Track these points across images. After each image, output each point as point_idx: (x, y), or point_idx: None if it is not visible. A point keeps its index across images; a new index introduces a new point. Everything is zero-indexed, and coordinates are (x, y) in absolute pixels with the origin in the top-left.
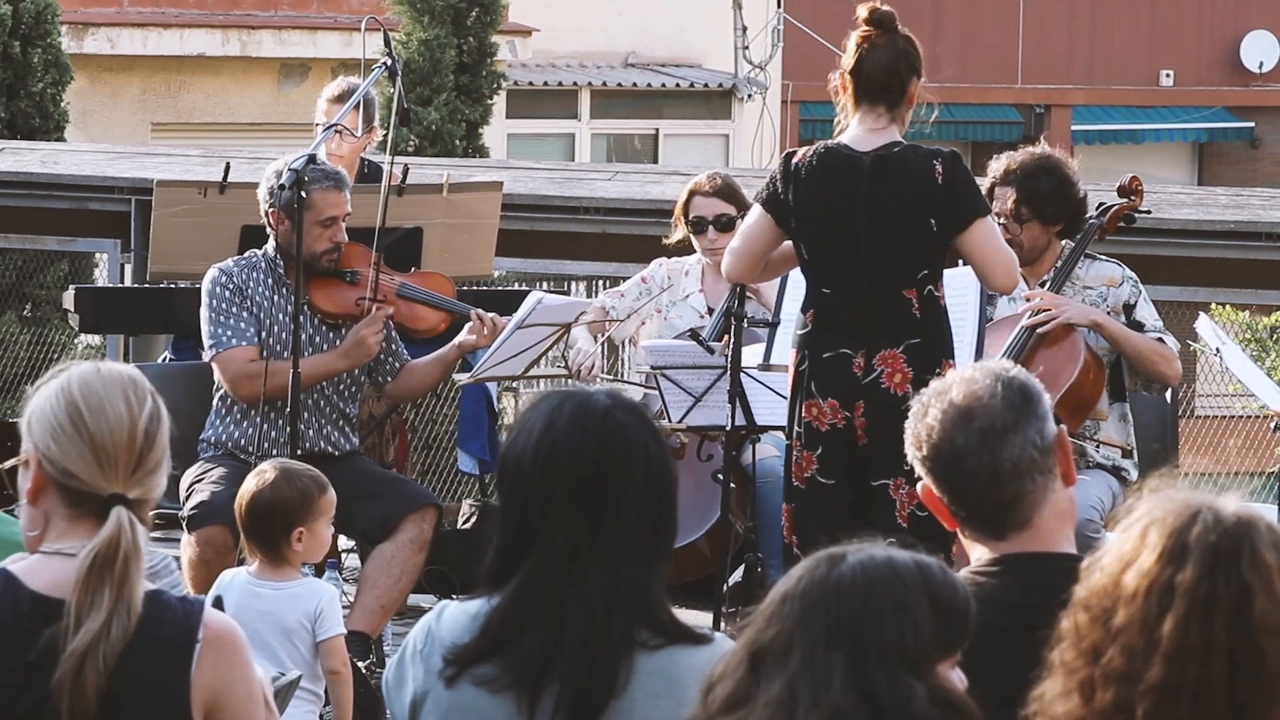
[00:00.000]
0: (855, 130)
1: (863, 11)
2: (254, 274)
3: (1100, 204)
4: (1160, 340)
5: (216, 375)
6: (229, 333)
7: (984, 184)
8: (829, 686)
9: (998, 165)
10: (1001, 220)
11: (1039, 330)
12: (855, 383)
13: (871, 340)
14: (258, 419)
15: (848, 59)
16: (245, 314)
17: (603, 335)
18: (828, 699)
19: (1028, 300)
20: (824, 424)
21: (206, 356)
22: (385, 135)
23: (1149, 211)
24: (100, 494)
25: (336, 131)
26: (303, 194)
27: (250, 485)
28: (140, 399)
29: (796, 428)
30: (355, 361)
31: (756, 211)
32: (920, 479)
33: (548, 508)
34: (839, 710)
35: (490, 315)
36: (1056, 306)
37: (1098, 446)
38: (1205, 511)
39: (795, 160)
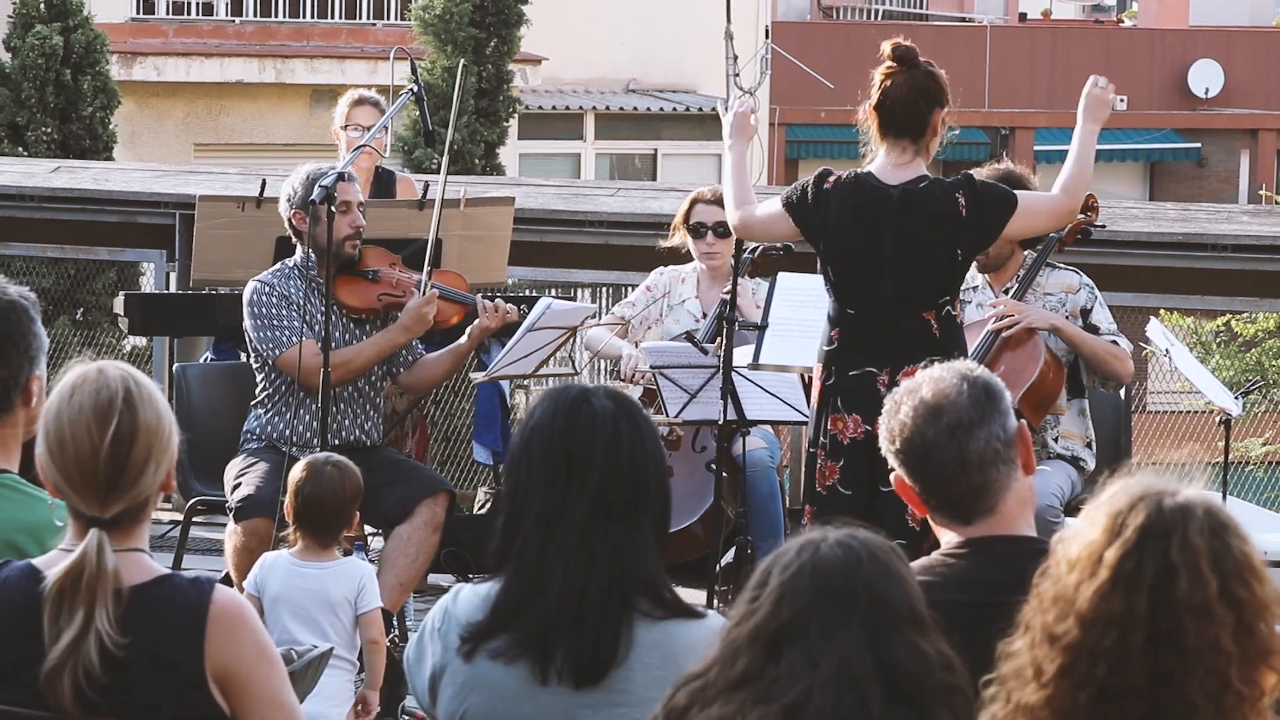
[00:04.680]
0: (882, 162)
1: (886, 48)
2: (289, 281)
3: None
4: (1114, 342)
5: (261, 374)
6: (287, 333)
7: None
8: (845, 653)
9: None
10: None
11: (1003, 334)
12: (880, 398)
13: (895, 359)
14: (300, 411)
15: (873, 93)
16: (292, 312)
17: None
18: (844, 666)
19: (993, 307)
20: (846, 437)
21: (270, 358)
22: (386, 145)
23: (1104, 226)
24: (83, 513)
25: (359, 147)
26: (333, 209)
27: (308, 480)
28: (103, 423)
29: (822, 438)
30: (415, 334)
31: (779, 207)
32: (894, 470)
33: (528, 482)
34: (852, 674)
35: (497, 300)
36: (1019, 312)
37: (1056, 439)
38: (1151, 496)
39: (827, 185)
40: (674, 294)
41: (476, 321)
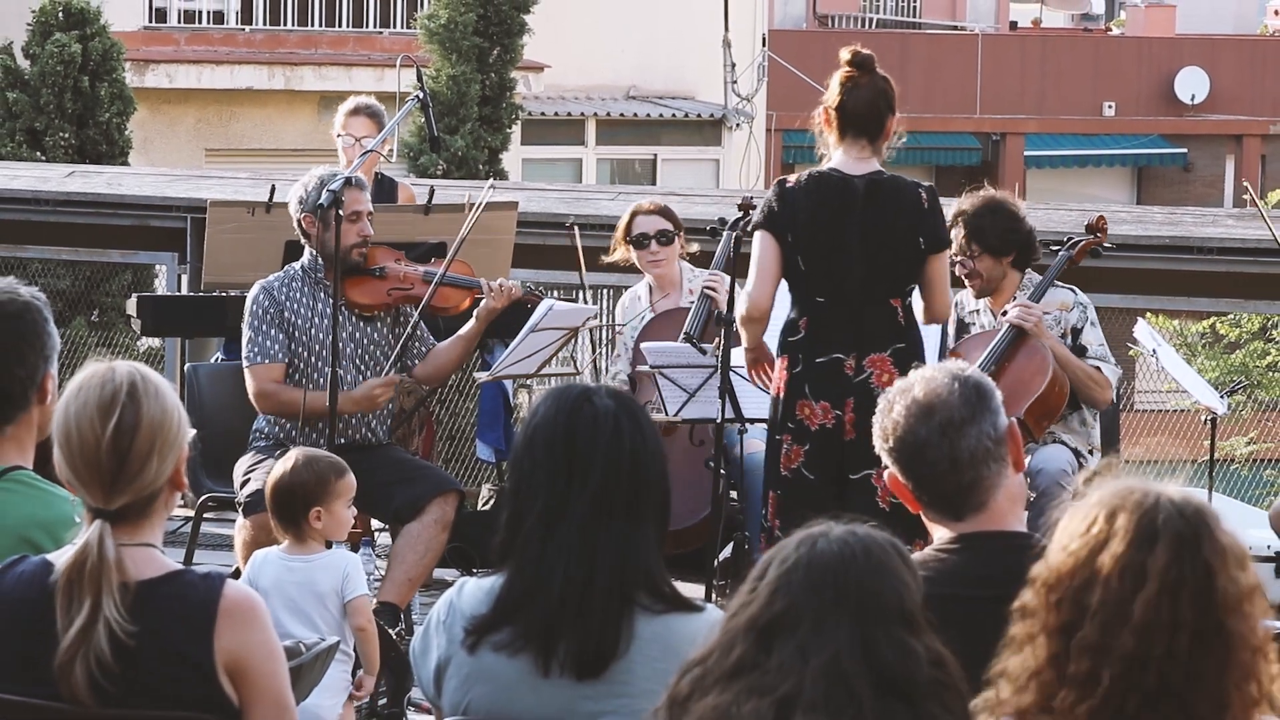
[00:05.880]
0: (842, 158)
1: (845, 54)
2: (293, 285)
3: (1069, 238)
4: (1097, 369)
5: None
6: (256, 350)
7: None
8: (836, 647)
9: (949, 212)
10: (957, 258)
11: (1010, 321)
12: (847, 382)
13: (862, 345)
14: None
15: (832, 96)
16: (275, 331)
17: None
18: (834, 660)
19: (1007, 310)
20: (815, 423)
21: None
22: (392, 150)
23: (1112, 247)
24: (90, 505)
25: (366, 151)
26: (339, 212)
27: (276, 470)
28: (106, 415)
29: (789, 424)
30: (361, 408)
31: (758, 236)
32: (887, 468)
33: (531, 479)
34: (842, 668)
35: (499, 280)
36: (1036, 315)
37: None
38: (1162, 499)
39: (789, 184)
40: (633, 310)
41: (483, 303)
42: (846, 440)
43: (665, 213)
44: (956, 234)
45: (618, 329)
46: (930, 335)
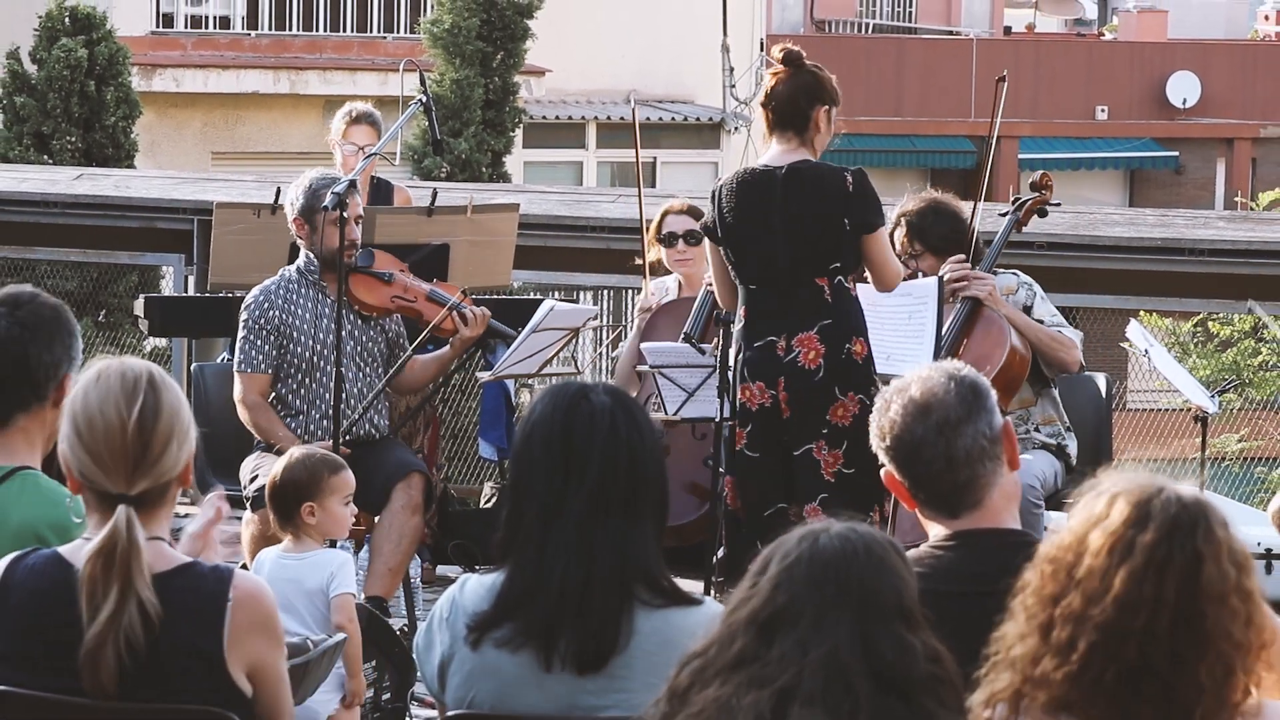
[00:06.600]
0: (771, 152)
1: (777, 53)
2: (290, 288)
3: (1015, 198)
4: (1059, 331)
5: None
6: (243, 358)
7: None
8: (835, 641)
9: (892, 214)
10: (901, 258)
11: (965, 294)
12: (778, 363)
13: (791, 326)
14: (311, 411)
15: (763, 94)
16: (262, 342)
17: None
18: (833, 654)
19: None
20: (754, 404)
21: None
22: (394, 153)
23: (1059, 204)
24: (109, 493)
25: (369, 156)
26: (343, 214)
27: (274, 467)
28: (130, 400)
29: (734, 409)
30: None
31: (707, 247)
32: (883, 465)
33: (529, 477)
34: (841, 662)
35: (481, 309)
36: (990, 284)
37: (1037, 428)
38: (1167, 489)
39: (720, 184)
40: (661, 302)
41: (460, 333)
42: (784, 419)
43: (694, 213)
44: (899, 235)
45: (643, 310)
46: (928, 307)
